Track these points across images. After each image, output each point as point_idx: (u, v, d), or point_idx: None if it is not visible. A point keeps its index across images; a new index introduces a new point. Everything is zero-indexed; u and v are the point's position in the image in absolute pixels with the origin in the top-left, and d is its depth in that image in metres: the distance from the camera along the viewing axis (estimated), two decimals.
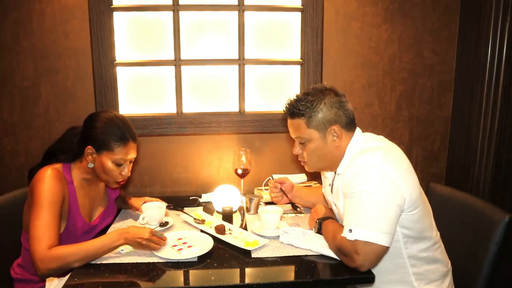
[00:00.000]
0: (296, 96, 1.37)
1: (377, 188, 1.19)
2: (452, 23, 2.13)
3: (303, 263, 1.29)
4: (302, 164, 1.45)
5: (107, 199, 1.63)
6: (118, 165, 1.42)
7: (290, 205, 1.78)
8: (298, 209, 1.75)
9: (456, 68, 2.17)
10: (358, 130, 1.39)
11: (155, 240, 1.33)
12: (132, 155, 1.45)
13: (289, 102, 1.38)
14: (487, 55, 1.93)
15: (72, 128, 1.52)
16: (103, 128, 1.40)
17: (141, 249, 1.33)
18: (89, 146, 1.40)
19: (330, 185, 1.46)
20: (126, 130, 1.42)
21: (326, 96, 1.33)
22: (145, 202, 1.68)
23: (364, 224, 1.18)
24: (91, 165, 1.43)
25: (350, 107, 1.37)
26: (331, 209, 1.53)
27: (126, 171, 1.45)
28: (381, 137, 1.39)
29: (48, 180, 1.34)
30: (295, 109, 1.35)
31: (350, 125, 1.36)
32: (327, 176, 1.48)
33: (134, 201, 1.72)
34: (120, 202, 1.77)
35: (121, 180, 1.47)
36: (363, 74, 2.13)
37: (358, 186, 1.21)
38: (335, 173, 1.40)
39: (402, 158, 1.31)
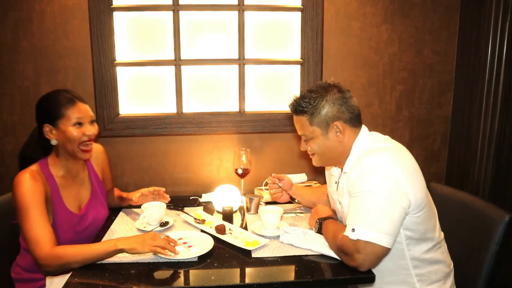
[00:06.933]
0: (301, 93, 1.38)
1: (382, 189, 1.19)
2: (452, 23, 2.13)
3: (303, 263, 1.29)
4: (311, 157, 1.44)
5: (91, 186, 1.61)
6: (78, 127, 1.43)
7: (290, 204, 1.78)
8: (296, 201, 1.74)
9: (456, 68, 2.17)
10: (364, 128, 1.38)
11: (160, 240, 1.30)
12: (87, 113, 1.46)
13: (293, 99, 1.39)
14: (487, 55, 1.93)
15: (35, 128, 1.53)
16: (47, 102, 1.44)
17: (151, 248, 1.29)
18: (45, 124, 1.42)
19: (336, 183, 1.45)
20: (69, 94, 1.45)
21: (329, 92, 1.33)
22: (141, 195, 1.68)
23: (367, 224, 1.18)
24: (54, 142, 1.44)
25: (355, 102, 1.36)
26: (331, 209, 1.54)
27: (89, 128, 1.45)
28: (388, 138, 1.39)
29: (25, 182, 1.35)
30: (298, 107, 1.36)
31: (354, 121, 1.35)
32: (333, 173, 1.48)
33: (131, 194, 1.73)
34: (120, 201, 1.77)
35: (86, 140, 1.45)
36: (363, 74, 2.13)
37: (364, 186, 1.21)
38: (342, 170, 1.40)
39: (409, 159, 1.30)
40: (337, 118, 1.32)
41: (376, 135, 1.39)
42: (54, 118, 1.41)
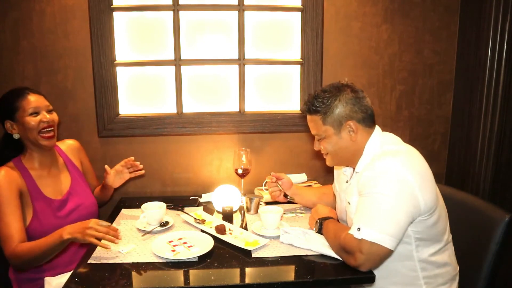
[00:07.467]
0: (314, 93, 1.38)
1: (393, 193, 1.19)
2: (452, 23, 2.13)
3: (303, 263, 1.29)
4: (324, 157, 1.45)
5: (70, 175, 1.65)
6: (35, 116, 1.48)
7: (290, 204, 1.78)
8: (288, 197, 1.73)
9: (456, 68, 2.17)
10: (377, 128, 1.39)
11: (100, 229, 1.30)
12: (41, 103, 1.51)
13: (307, 99, 1.39)
14: (487, 55, 1.93)
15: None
16: (3, 100, 1.50)
17: (89, 239, 1.28)
18: (6, 121, 1.49)
19: (347, 182, 1.45)
20: (21, 88, 1.52)
21: (342, 92, 1.34)
22: (115, 171, 1.70)
23: (373, 225, 1.18)
24: (17, 136, 1.50)
25: (368, 102, 1.36)
26: (332, 209, 1.54)
27: (46, 116, 1.50)
28: (399, 140, 1.39)
29: None
30: (312, 106, 1.36)
31: (367, 121, 1.35)
32: (345, 173, 1.47)
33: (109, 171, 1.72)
34: (104, 191, 1.77)
35: (46, 127, 1.50)
36: (363, 74, 2.13)
37: (375, 187, 1.21)
38: (354, 170, 1.40)
39: (421, 163, 1.30)
40: (350, 117, 1.33)
41: (389, 136, 1.39)
42: (11, 113, 1.48)
